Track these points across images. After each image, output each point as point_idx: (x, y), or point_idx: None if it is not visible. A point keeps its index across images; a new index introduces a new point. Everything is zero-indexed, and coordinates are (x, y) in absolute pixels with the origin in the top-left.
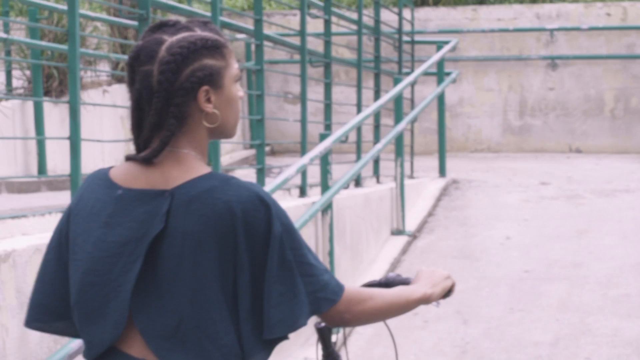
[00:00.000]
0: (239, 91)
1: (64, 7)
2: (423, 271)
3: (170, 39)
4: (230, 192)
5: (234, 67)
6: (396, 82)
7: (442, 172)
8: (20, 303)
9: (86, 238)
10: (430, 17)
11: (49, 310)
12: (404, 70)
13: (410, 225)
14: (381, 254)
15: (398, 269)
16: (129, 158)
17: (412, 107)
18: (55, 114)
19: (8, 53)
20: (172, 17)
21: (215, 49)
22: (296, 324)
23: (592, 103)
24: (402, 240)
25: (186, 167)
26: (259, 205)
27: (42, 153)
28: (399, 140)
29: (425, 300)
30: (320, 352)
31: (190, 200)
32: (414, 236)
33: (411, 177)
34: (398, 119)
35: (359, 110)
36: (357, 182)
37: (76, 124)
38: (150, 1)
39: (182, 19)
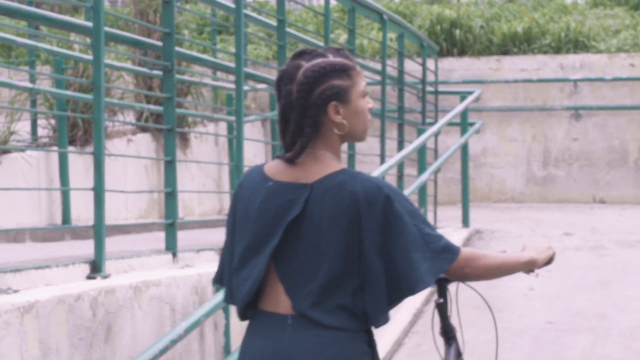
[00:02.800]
0: (368, 103)
1: (90, 57)
2: (528, 244)
3: (306, 64)
4: (357, 184)
5: (361, 85)
6: (420, 132)
7: (465, 222)
8: (42, 354)
9: (247, 219)
10: (454, 67)
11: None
12: (428, 120)
13: None
14: (404, 305)
15: (420, 319)
16: (278, 157)
17: (436, 157)
18: (80, 163)
19: (33, 102)
20: (197, 68)
21: (342, 71)
22: (429, 281)
23: (616, 153)
24: (424, 290)
25: (323, 165)
26: (378, 194)
27: (67, 202)
28: (422, 190)
29: (532, 263)
30: (438, 325)
31: (326, 191)
32: None
33: (434, 227)
34: (421, 170)
35: (382, 161)
36: None
37: (100, 175)
38: (175, 53)
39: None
